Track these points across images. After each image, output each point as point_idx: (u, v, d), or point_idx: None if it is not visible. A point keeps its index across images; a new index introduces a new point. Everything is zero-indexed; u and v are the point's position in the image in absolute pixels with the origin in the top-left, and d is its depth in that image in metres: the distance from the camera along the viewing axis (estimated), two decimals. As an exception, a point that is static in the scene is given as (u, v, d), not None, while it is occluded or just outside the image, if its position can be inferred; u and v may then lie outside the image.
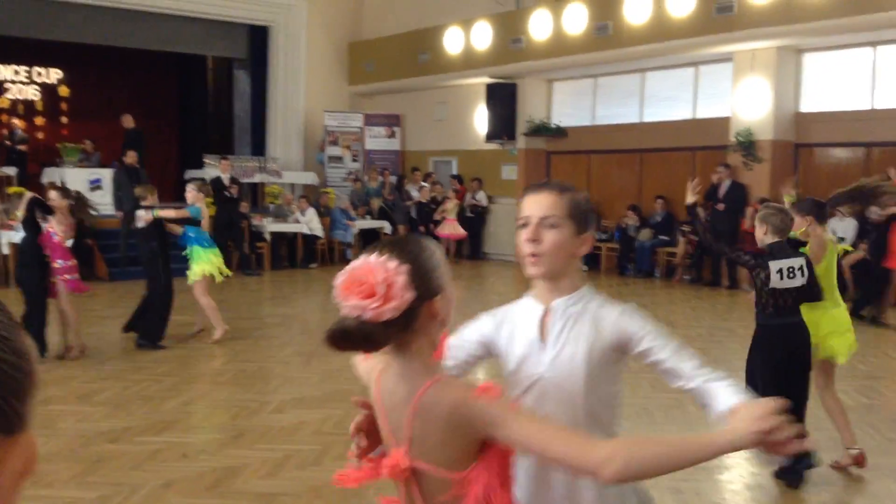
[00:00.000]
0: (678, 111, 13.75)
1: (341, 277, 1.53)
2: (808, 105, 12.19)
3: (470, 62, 15.29)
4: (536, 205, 1.99)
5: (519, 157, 15.61)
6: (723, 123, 12.62)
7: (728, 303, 10.93)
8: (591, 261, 14.22)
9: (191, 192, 7.91)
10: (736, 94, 12.42)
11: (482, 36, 14.94)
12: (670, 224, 13.28)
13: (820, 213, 4.74)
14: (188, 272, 7.84)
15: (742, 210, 11.89)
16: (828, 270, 4.71)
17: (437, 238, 15.37)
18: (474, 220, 15.77)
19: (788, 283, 4.35)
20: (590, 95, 15.16)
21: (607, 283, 12.94)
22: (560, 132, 15.29)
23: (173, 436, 5.20)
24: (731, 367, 7.34)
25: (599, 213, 14.65)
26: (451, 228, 15.30)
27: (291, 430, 5.33)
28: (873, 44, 11.30)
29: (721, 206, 12.01)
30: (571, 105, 15.45)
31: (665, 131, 13.74)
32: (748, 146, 12.15)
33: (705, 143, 13.00)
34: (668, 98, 13.93)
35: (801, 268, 4.36)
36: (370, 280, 1.49)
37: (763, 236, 4.51)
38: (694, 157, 13.34)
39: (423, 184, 15.96)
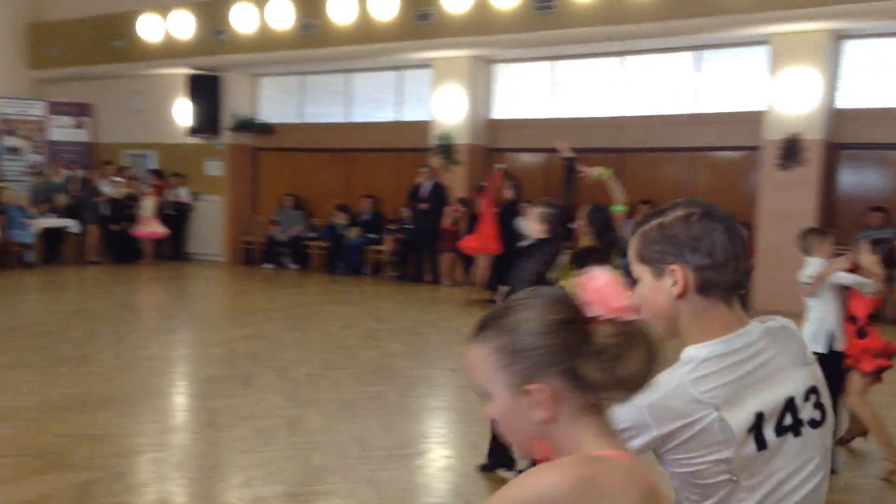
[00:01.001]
0: (384, 113, 14.13)
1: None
2: (499, 112, 13.13)
3: (169, 52, 14.47)
4: None
5: (225, 152, 15.08)
6: (425, 127, 13.17)
7: (430, 297, 11.42)
8: (302, 260, 14.15)
9: None
10: (436, 100, 13.04)
11: (182, 25, 14.20)
12: (378, 223, 13.60)
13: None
14: None
15: (443, 209, 12.48)
16: None
17: (134, 238, 14.35)
18: (176, 217, 14.94)
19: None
20: (297, 93, 15.07)
21: (317, 281, 12.93)
22: (267, 128, 15.02)
23: None
24: (434, 356, 7.68)
25: (309, 211, 14.63)
26: (150, 227, 14.35)
27: (-54, 457, 4.62)
28: (553, 58, 12.45)
29: (424, 206, 12.52)
30: (279, 101, 15.25)
31: (371, 132, 14.05)
32: (447, 149, 12.80)
33: (409, 144, 13.48)
34: (374, 100, 14.26)
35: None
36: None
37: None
38: (399, 158, 13.78)
39: (116, 178, 14.78)
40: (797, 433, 1.47)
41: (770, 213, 10.42)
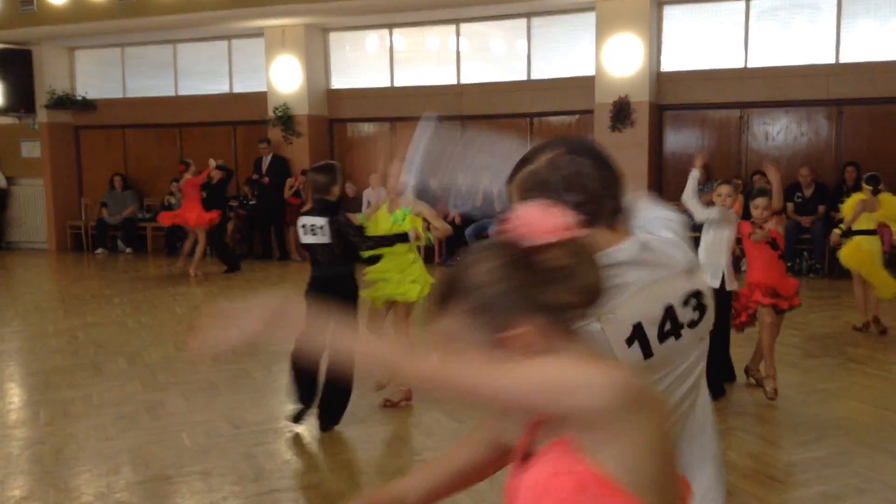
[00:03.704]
0: (215, 85, 13.58)
1: None
2: (339, 82, 12.96)
3: (-30, 23, 13.18)
4: None
5: (41, 132, 13.99)
6: (261, 98, 12.79)
7: (280, 273, 11.18)
8: (137, 242, 13.42)
9: None
10: (271, 70, 12.68)
11: (-16, -7, 12.95)
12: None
13: None
14: None
15: (284, 183, 12.21)
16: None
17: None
18: (-9, 205, 13.75)
19: (312, 239, 4.63)
20: (119, 66, 14.18)
21: (157, 264, 12.32)
22: (88, 105, 14.05)
23: None
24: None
25: (141, 191, 13.90)
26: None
27: None
28: (389, 26, 12.41)
29: (266, 180, 12.20)
30: (99, 76, 14.29)
31: (203, 105, 13.48)
32: (286, 121, 12.51)
33: (245, 117, 13.07)
34: (204, 71, 13.67)
35: (322, 227, 4.61)
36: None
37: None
38: (235, 132, 13.34)
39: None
40: (678, 336, 1.49)
41: (605, 172, 10.92)
